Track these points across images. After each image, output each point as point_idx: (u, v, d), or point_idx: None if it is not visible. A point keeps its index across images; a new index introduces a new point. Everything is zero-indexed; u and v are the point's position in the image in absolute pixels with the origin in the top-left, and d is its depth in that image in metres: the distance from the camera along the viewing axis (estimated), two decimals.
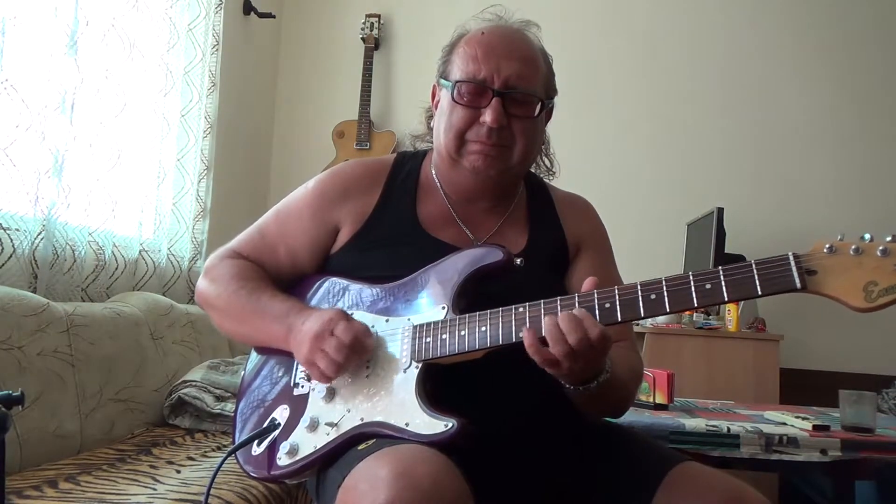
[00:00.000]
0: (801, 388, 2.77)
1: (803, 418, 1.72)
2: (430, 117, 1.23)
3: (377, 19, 3.48)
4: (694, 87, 3.33)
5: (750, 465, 1.65)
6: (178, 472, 1.48)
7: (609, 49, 3.41)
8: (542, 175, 1.29)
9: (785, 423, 1.71)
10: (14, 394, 0.91)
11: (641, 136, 3.34)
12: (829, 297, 0.80)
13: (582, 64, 3.36)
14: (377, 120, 3.40)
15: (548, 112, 1.20)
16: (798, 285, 0.80)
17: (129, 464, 1.52)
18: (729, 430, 1.62)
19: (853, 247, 0.80)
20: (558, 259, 1.18)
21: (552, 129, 1.26)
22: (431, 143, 1.22)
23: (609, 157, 3.31)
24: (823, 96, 3.24)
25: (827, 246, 0.80)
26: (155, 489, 1.34)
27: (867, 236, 0.80)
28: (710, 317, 2.71)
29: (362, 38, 3.45)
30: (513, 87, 1.09)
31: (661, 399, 1.84)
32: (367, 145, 3.30)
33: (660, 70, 3.36)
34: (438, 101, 1.18)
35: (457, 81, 1.11)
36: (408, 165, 1.23)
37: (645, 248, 3.07)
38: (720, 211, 2.73)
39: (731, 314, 2.59)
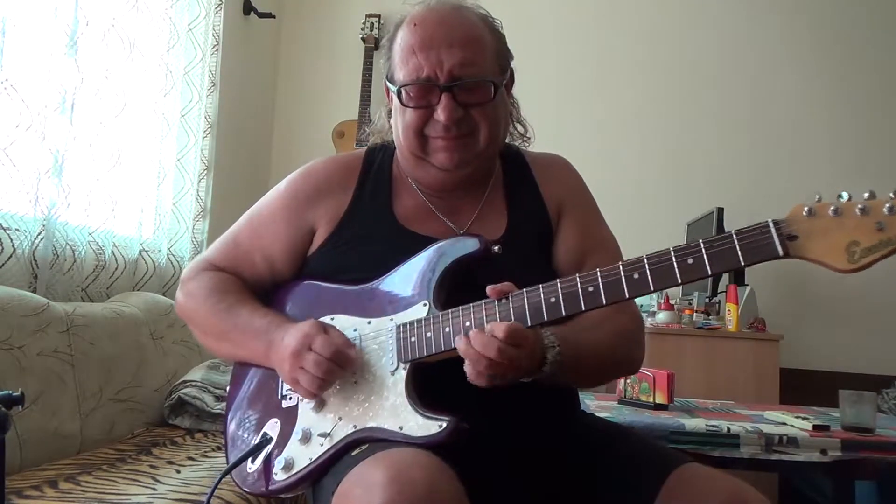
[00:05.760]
0: (801, 388, 2.77)
1: (803, 418, 1.72)
2: (390, 112, 1.17)
3: (377, 19, 3.47)
4: (694, 86, 3.33)
5: (750, 465, 1.65)
6: (178, 472, 1.48)
7: (608, 48, 3.40)
8: (516, 142, 1.23)
9: (785, 423, 1.71)
10: (14, 394, 0.91)
11: (641, 135, 3.34)
12: (812, 260, 0.77)
13: (580, 63, 3.36)
14: None
15: (508, 80, 1.15)
16: (780, 252, 0.78)
17: (129, 464, 1.52)
18: (729, 430, 1.62)
19: (832, 208, 0.77)
20: (542, 232, 1.14)
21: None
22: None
23: (609, 156, 3.30)
24: (823, 96, 3.24)
25: (806, 209, 0.78)
26: (155, 489, 1.34)
27: (845, 195, 0.77)
28: (710, 317, 2.70)
29: (362, 38, 3.45)
30: (459, 78, 1.03)
31: (661, 399, 1.84)
32: (366, 145, 3.29)
33: (659, 69, 3.36)
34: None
35: (401, 85, 1.06)
36: (378, 158, 1.19)
37: (645, 249, 3.04)
38: (720, 211, 2.73)
39: (730, 314, 2.59)
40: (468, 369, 0.89)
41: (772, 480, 2.59)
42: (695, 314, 2.68)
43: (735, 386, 2.51)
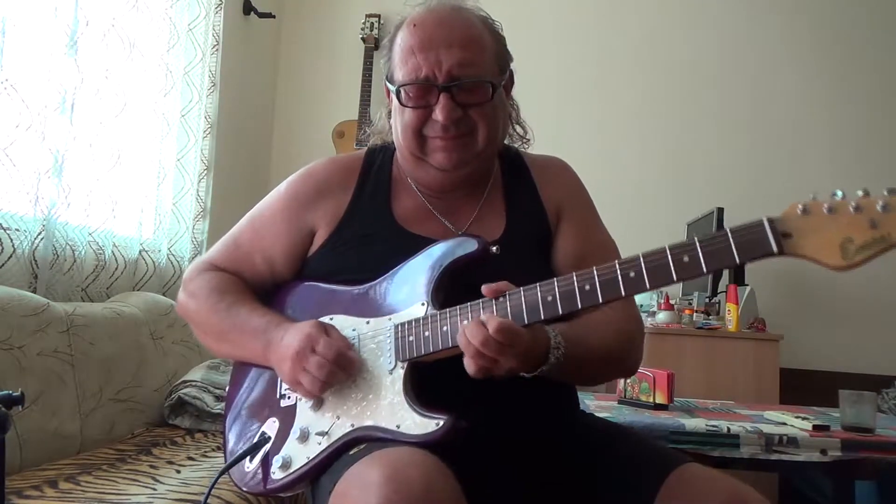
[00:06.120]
0: (801, 388, 2.77)
1: (803, 418, 1.72)
2: (390, 112, 1.18)
3: (377, 19, 3.47)
4: (694, 86, 3.33)
5: (750, 465, 1.66)
6: (178, 472, 1.48)
7: (608, 48, 3.40)
8: (516, 144, 1.23)
9: (785, 423, 1.71)
10: (14, 394, 0.91)
11: (641, 135, 3.34)
12: (807, 258, 0.77)
13: (580, 63, 3.36)
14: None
15: (507, 81, 1.15)
16: (775, 249, 0.78)
17: (129, 464, 1.53)
18: (729, 430, 1.62)
19: (826, 206, 0.77)
20: (541, 235, 1.14)
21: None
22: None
23: (609, 156, 3.30)
24: (823, 96, 3.24)
25: (800, 207, 0.79)
26: (155, 489, 1.34)
27: (839, 193, 0.77)
28: (710, 317, 2.70)
29: (362, 38, 3.45)
30: (458, 78, 1.04)
31: (661, 399, 1.84)
32: (366, 146, 3.30)
33: (659, 69, 3.36)
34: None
35: (400, 85, 1.07)
36: (378, 159, 1.19)
37: (645, 249, 3.05)
38: (720, 211, 2.73)
39: (730, 314, 2.59)
40: (465, 359, 0.90)
41: (772, 480, 2.59)
42: (695, 314, 2.68)
43: (735, 386, 2.51)
